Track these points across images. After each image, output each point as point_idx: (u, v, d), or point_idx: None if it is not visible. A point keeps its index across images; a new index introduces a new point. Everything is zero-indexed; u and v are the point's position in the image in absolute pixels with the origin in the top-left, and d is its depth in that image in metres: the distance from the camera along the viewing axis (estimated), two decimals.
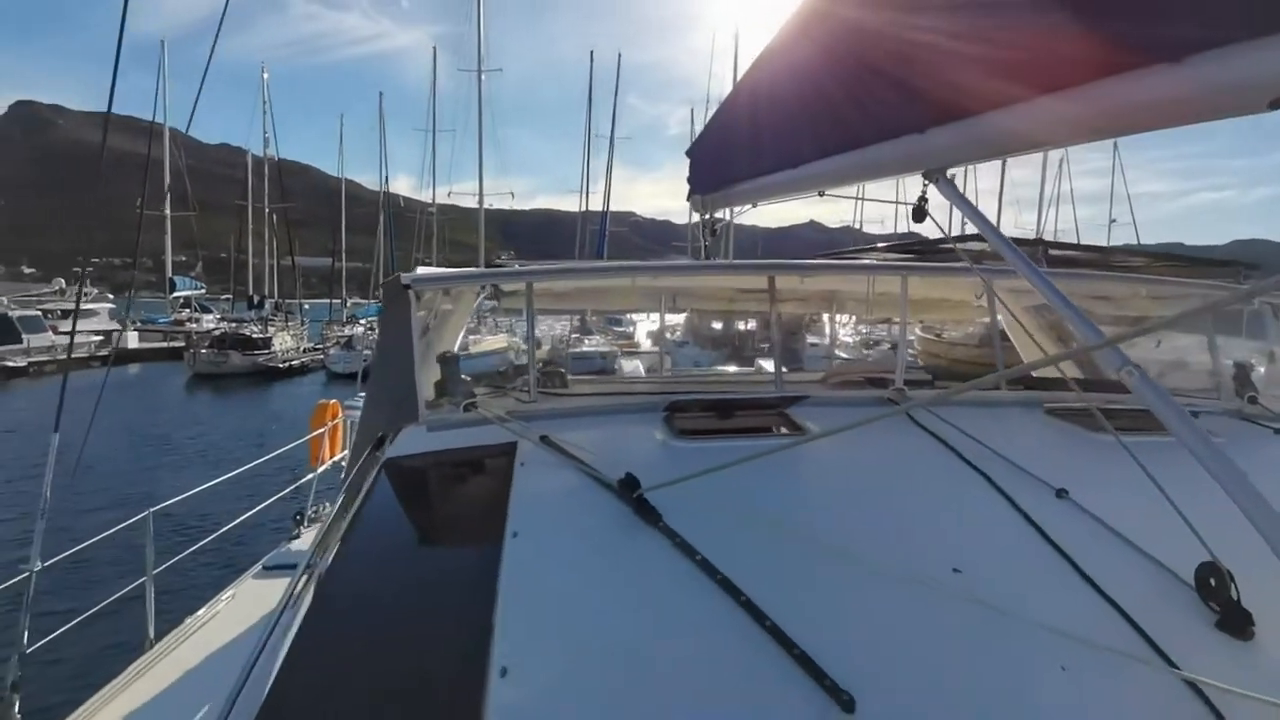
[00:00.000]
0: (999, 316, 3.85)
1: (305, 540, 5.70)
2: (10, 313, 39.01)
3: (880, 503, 2.27)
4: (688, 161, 4.05)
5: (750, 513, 2.12)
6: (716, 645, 1.58)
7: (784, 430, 2.67)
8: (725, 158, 3.53)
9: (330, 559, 2.16)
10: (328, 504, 6.55)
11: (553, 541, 2.07)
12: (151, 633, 3.81)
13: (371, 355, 3.59)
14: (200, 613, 4.22)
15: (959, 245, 3.61)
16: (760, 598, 1.64)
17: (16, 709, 2.93)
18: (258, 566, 5.07)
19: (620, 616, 1.70)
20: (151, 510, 3.91)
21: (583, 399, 3.51)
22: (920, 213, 2.04)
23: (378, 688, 1.74)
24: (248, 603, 4.31)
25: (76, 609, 3.76)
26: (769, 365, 4.80)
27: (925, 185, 1.92)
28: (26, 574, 3.01)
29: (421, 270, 3.02)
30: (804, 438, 2.54)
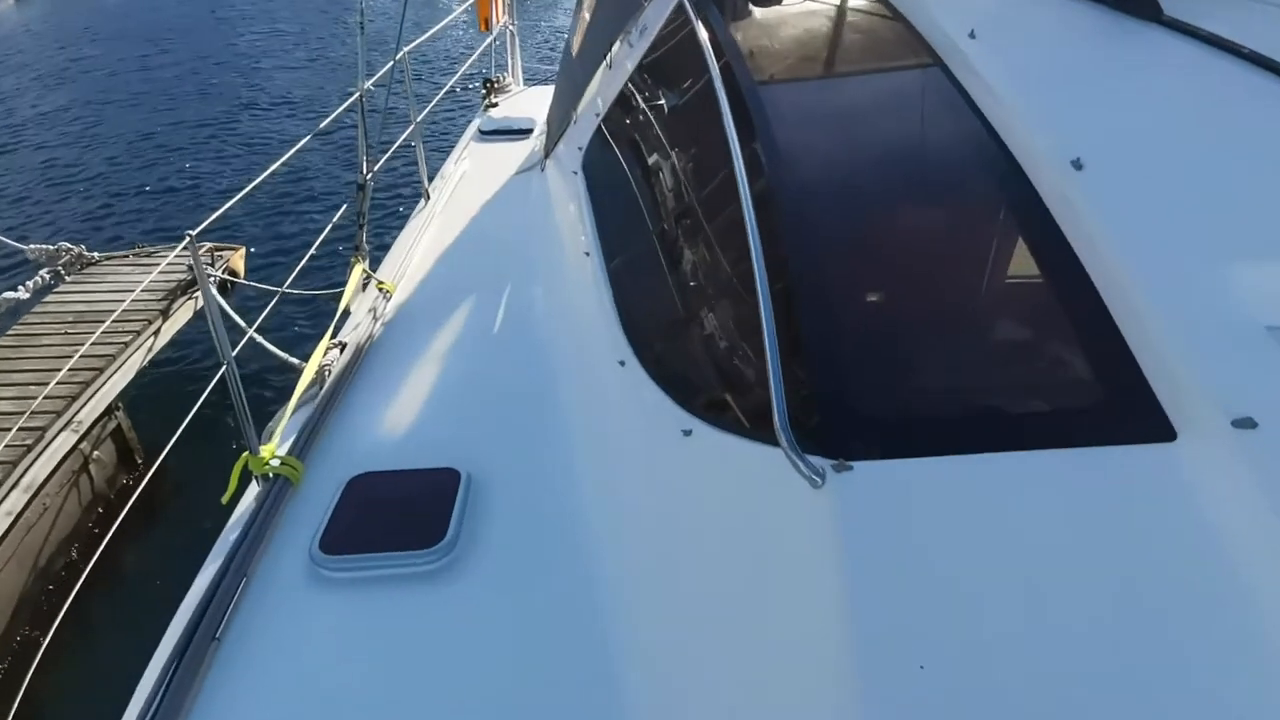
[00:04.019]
0: None
1: (507, 108, 5.60)
2: None
3: None
4: None
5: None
6: None
7: None
8: None
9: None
10: (506, 75, 6.30)
11: (1021, 43, 1.76)
12: (426, 180, 3.97)
13: None
14: (449, 170, 4.35)
15: None
16: None
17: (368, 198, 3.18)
18: (473, 130, 5.07)
19: (1175, 122, 1.45)
20: (406, 49, 3.74)
21: None
22: None
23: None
24: (487, 164, 4.39)
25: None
26: None
27: None
28: (357, 94, 3.04)
29: None
30: None
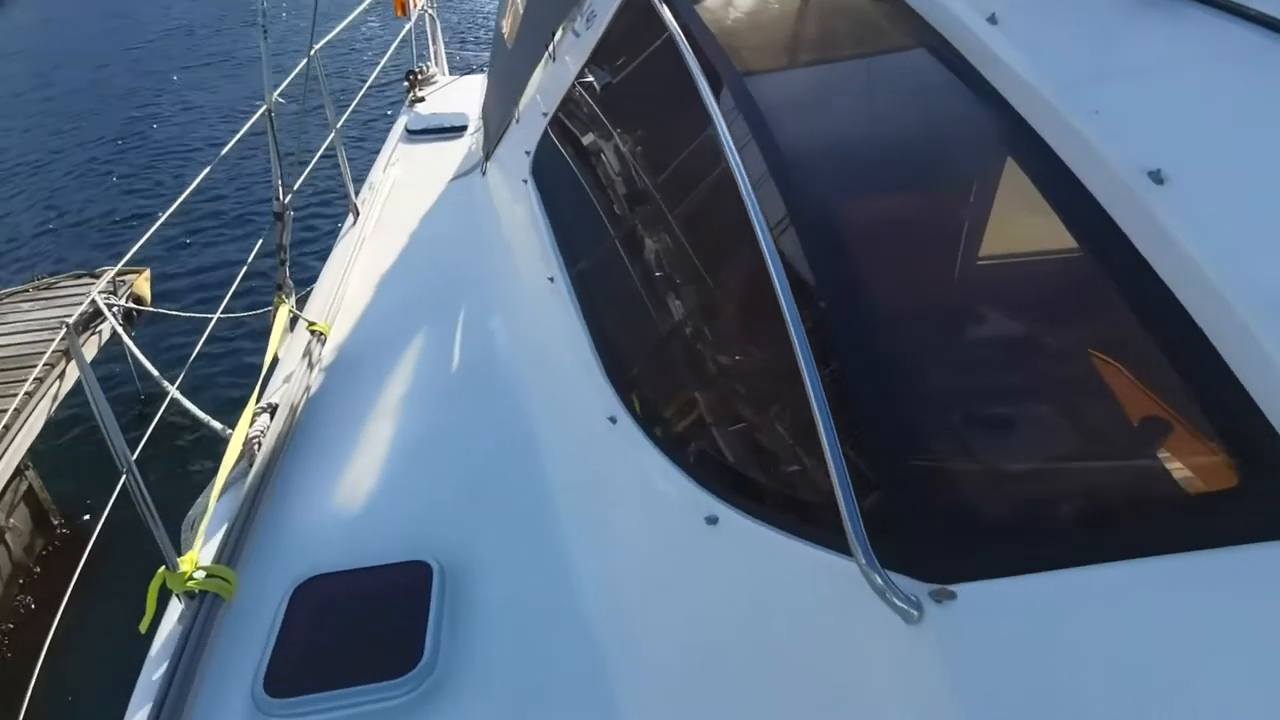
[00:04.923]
0: None
1: (435, 102, 5.15)
2: None
3: None
4: None
5: None
6: None
7: None
8: None
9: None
10: (430, 65, 5.84)
11: (1053, 26, 1.51)
12: (353, 193, 3.57)
13: None
14: (377, 178, 3.95)
15: None
16: None
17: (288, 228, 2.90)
18: (400, 130, 4.65)
19: (1258, 122, 1.22)
20: (318, 45, 3.29)
21: None
22: None
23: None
24: (419, 169, 4.01)
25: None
26: None
27: None
28: (265, 108, 2.64)
29: None
30: None
